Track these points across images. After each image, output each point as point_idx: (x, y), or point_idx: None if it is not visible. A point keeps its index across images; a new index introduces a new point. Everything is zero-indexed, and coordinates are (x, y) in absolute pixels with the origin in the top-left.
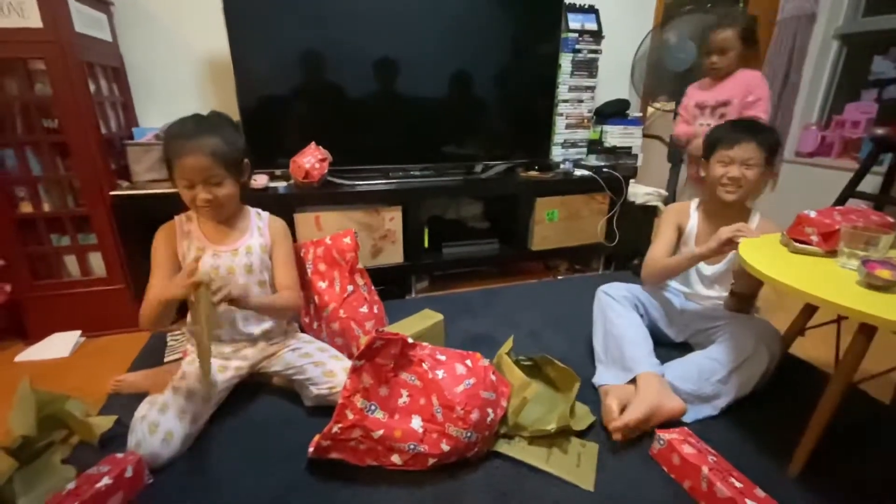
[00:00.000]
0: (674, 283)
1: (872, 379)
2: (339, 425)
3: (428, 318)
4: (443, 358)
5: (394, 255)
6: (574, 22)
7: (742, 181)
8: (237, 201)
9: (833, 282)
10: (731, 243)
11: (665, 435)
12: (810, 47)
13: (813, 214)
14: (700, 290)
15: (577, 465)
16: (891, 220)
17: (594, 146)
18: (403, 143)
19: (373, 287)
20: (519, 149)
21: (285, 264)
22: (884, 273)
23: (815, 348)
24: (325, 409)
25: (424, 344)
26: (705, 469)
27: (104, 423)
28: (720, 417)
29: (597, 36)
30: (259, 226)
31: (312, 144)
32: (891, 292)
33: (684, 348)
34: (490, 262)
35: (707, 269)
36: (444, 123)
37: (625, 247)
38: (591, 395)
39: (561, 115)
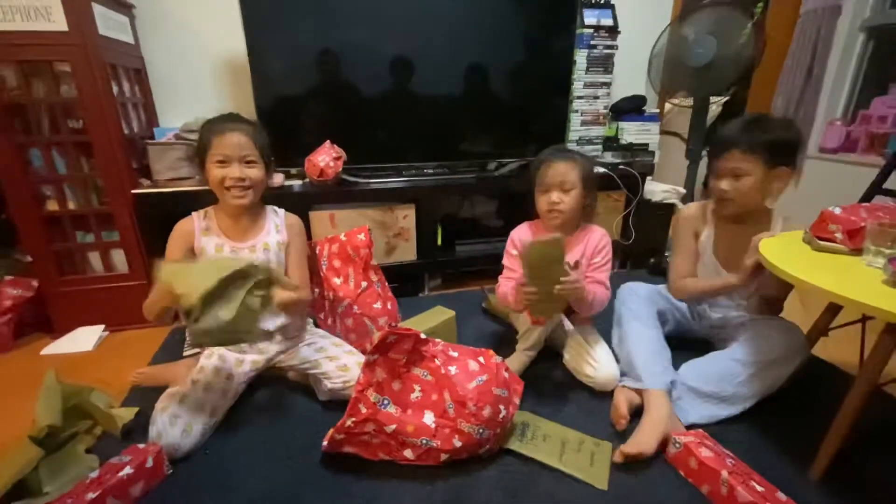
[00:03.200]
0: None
1: None
2: (353, 419)
3: (440, 314)
4: (455, 354)
5: (407, 252)
6: (589, 17)
7: (732, 193)
8: (263, 190)
9: (858, 280)
10: (761, 268)
11: (681, 438)
12: (835, 40)
13: (838, 211)
14: (719, 300)
15: (590, 464)
16: None
17: (610, 143)
18: (417, 142)
19: (386, 284)
20: (533, 146)
21: (299, 263)
22: None
23: (838, 349)
24: (339, 404)
25: (437, 340)
26: (724, 473)
27: (126, 414)
28: (737, 419)
29: (613, 31)
30: (276, 223)
31: (327, 143)
32: None
33: (706, 345)
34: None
35: (730, 278)
36: (457, 121)
37: (641, 245)
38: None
39: (576, 111)
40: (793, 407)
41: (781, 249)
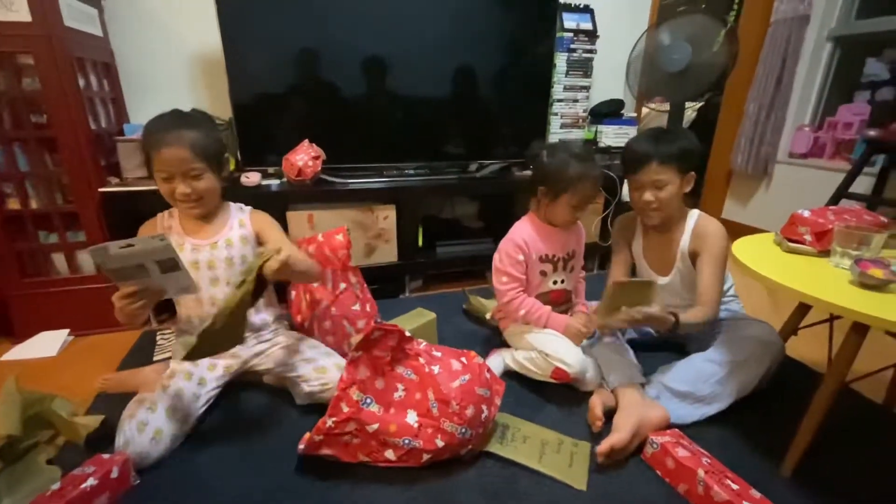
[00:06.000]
0: None
1: (865, 378)
2: (334, 419)
3: (421, 316)
4: (438, 354)
5: (388, 254)
6: (569, 21)
7: (657, 203)
8: (218, 196)
9: (826, 281)
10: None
11: (658, 438)
12: (803, 49)
13: (807, 214)
14: (666, 300)
15: (569, 465)
16: (883, 220)
17: (589, 146)
18: (398, 142)
19: (365, 285)
20: (514, 147)
21: (287, 242)
22: (877, 272)
23: (808, 348)
24: (316, 408)
25: (419, 340)
26: (701, 472)
27: (91, 422)
28: (712, 418)
29: (592, 36)
30: (240, 218)
31: (306, 142)
32: (883, 291)
33: (682, 350)
34: (485, 261)
35: (661, 280)
36: (438, 122)
37: None
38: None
39: (556, 114)
40: (765, 405)
41: (753, 251)
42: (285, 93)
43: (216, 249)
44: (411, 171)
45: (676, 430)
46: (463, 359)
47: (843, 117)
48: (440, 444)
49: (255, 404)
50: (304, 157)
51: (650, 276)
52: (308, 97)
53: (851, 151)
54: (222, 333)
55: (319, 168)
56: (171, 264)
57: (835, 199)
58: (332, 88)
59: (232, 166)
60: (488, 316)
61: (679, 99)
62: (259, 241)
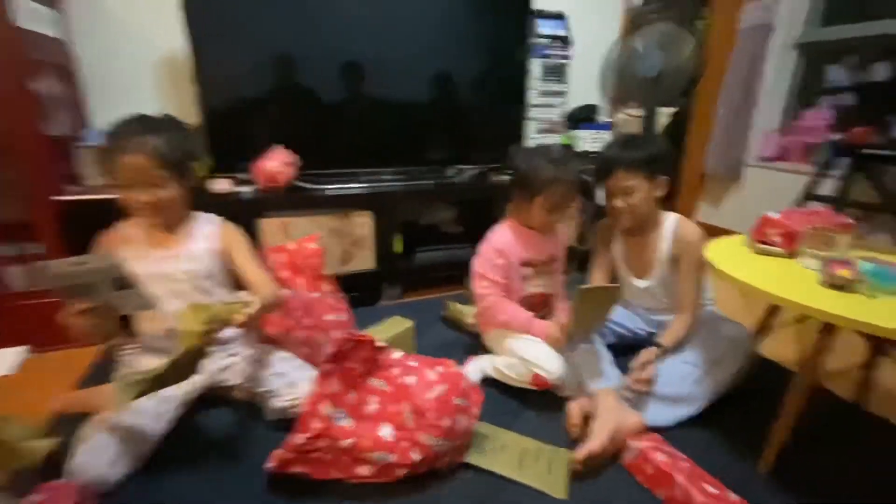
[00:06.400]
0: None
1: (835, 377)
2: (304, 435)
3: (398, 324)
4: (414, 364)
5: (365, 261)
6: (543, 28)
7: (627, 209)
8: (182, 206)
9: (796, 282)
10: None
11: (637, 444)
12: (770, 56)
13: (776, 216)
14: (646, 303)
15: (548, 473)
16: (849, 221)
17: (567, 150)
18: (374, 147)
19: (340, 294)
20: (491, 153)
21: (253, 264)
22: (844, 272)
23: (781, 347)
24: (288, 423)
25: (395, 349)
26: (680, 478)
27: (46, 446)
28: (689, 420)
29: (565, 42)
30: (208, 230)
31: (278, 147)
32: (851, 291)
33: None
34: (464, 267)
35: (641, 283)
36: (415, 127)
37: None
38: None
39: (533, 119)
40: (741, 405)
41: (725, 254)
42: (256, 97)
43: (179, 262)
44: (388, 177)
45: (655, 434)
46: (440, 368)
47: (809, 122)
48: (416, 457)
49: (223, 421)
50: (277, 162)
51: (629, 279)
52: (281, 101)
53: (817, 155)
54: (171, 377)
55: (293, 174)
56: (124, 282)
57: (802, 201)
58: (307, 92)
59: (202, 173)
60: (470, 320)
61: (652, 104)
62: (224, 258)
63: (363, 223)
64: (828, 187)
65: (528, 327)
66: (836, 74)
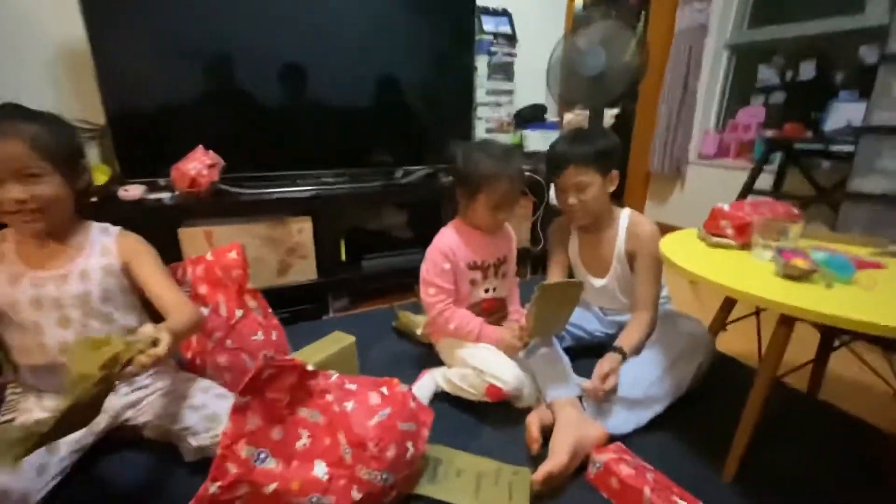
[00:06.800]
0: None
1: (795, 371)
2: (218, 483)
3: (337, 341)
4: (353, 387)
5: (306, 271)
6: (488, 24)
7: (581, 205)
8: (68, 210)
9: (751, 274)
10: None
11: (600, 457)
12: (704, 57)
13: (726, 208)
14: (603, 303)
15: (509, 499)
16: (796, 210)
17: (508, 146)
18: (312, 148)
19: (269, 309)
20: (440, 153)
21: (162, 280)
22: (799, 262)
23: (738, 343)
24: (210, 463)
25: (330, 372)
26: (647, 490)
27: None
28: (651, 425)
29: (511, 39)
30: (103, 242)
31: (200, 148)
32: (806, 281)
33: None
34: (415, 273)
35: (598, 282)
36: (357, 126)
37: None
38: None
39: (480, 118)
40: (702, 405)
41: (679, 247)
42: (173, 93)
43: (67, 284)
44: (330, 179)
45: (618, 443)
46: (383, 389)
47: (743, 120)
48: (357, 496)
49: (130, 467)
50: (198, 164)
51: (586, 278)
52: (201, 98)
53: (752, 151)
54: (64, 429)
55: (217, 177)
56: None
57: (742, 196)
58: (231, 88)
59: (106, 178)
60: (419, 332)
61: (596, 103)
62: (126, 275)
63: (301, 229)
64: (766, 181)
65: (479, 334)
66: (766, 74)
